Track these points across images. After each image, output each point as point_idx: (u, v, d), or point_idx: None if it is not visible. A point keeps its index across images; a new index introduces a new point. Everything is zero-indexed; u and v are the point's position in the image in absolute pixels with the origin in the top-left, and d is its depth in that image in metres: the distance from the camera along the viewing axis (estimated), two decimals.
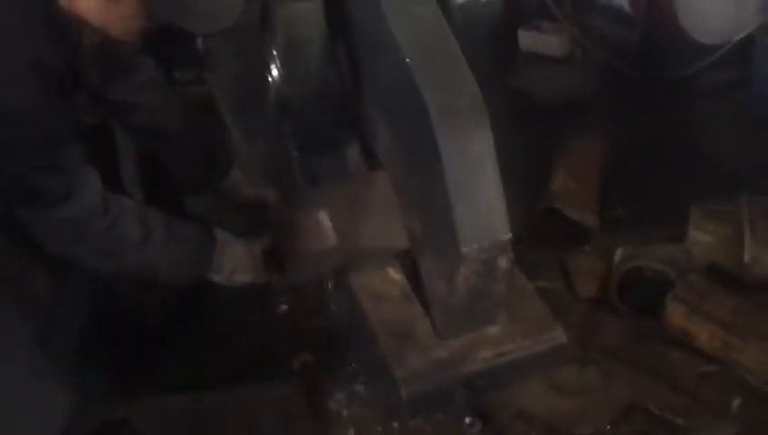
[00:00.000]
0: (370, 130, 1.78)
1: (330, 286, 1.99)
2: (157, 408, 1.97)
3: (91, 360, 1.82)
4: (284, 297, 2.17)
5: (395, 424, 1.80)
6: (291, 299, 2.17)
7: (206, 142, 1.79)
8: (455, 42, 1.45)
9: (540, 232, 2.38)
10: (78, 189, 1.39)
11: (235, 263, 1.63)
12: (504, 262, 1.48)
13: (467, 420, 1.79)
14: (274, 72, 1.75)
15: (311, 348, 2.05)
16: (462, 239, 1.41)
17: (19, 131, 1.29)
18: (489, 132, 1.39)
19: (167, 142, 1.73)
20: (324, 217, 1.70)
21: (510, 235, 1.46)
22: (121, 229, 1.46)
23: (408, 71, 1.40)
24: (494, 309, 1.62)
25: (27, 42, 1.29)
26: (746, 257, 2.07)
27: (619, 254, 2.19)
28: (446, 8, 1.65)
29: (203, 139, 1.79)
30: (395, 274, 1.74)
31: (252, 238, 1.71)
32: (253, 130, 2.23)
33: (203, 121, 1.83)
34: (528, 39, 3.56)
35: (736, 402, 1.83)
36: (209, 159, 1.77)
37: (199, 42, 2.56)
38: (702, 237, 2.18)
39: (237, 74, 2.61)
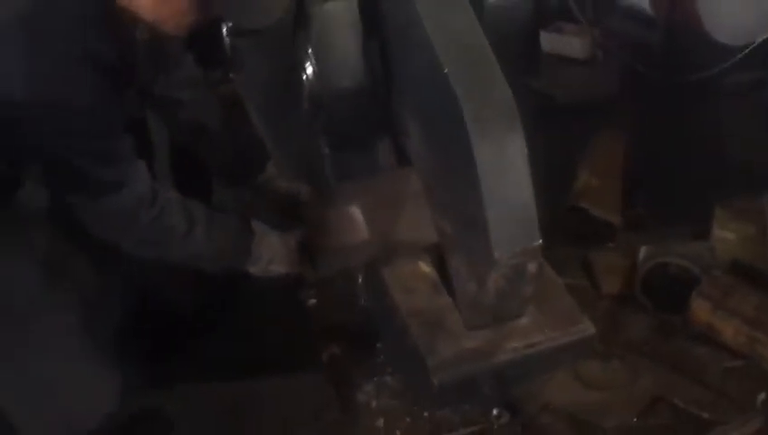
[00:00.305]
0: (401, 129, 1.82)
1: (360, 280, 2.03)
2: (189, 398, 2.02)
3: (128, 349, 1.87)
4: (314, 291, 2.22)
5: (425, 414, 1.84)
6: (320, 292, 2.22)
7: (244, 138, 1.84)
8: (489, 48, 1.47)
9: (564, 230, 2.41)
10: (130, 179, 1.44)
11: (272, 253, 1.68)
12: (533, 266, 1.52)
13: (495, 411, 1.83)
14: (309, 70, 1.79)
15: (340, 341, 2.10)
16: (495, 245, 1.44)
17: (77, 122, 1.34)
18: (522, 139, 1.42)
19: (206, 138, 1.78)
20: (356, 212, 1.75)
21: (540, 241, 1.49)
22: (168, 220, 1.50)
23: (443, 78, 1.42)
24: (521, 307, 1.65)
25: (86, 35, 1.33)
26: None
27: (643, 251, 2.22)
28: (479, 7, 1.69)
29: (241, 134, 1.83)
30: (425, 266, 1.78)
31: (286, 230, 1.75)
32: (282, 130, 2.27)
33: (240, 118, 1.88)
34: (550, 41, 3.59)
35: (761, 397, 1.85)
36: (246, 155, 1.81)
37: (226, 41, 2.61)
38: (726, 235, 2.21)
39: (267, 74, 2.66)
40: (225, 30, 2.56)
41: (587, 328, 1.63)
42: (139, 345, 1.94)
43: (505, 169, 1.42)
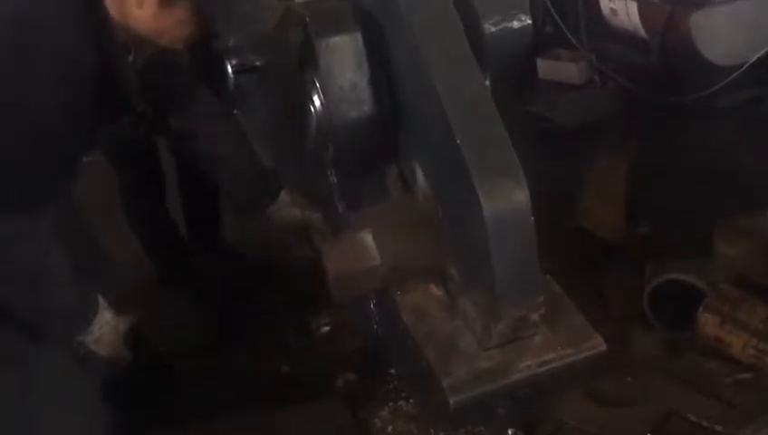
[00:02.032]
0: (408, 163, 1.87)
1: (372, 305, 2.05)
2: (206, 429, 2.04)
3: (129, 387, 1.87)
4: (327, 319, 2.25)
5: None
6: (333, 319, 2.25)
7: (258, 167, 1.87)
8: (498, 115, 1.52)
9: (569, 251, 2.45)
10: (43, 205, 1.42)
11: (101, 332, 1.62)
12: (535, 316, 1.58)
13: (510, 431, 1.84)
14: (316, 102, 1.83)
15: (354, 367, 2.12)
16: (500, 303, 1.51)
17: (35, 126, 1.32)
18: (528, 198, 1.47)
19: (221, 168, 1.81)
20: (368, 237, 1.77)
21: (543, 296, 1.56)
22: (48, 259, 1.46)
23: (455, 144, 1.46)
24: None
25: (70, 45, 1.32)
26: None
27: (649, 269, 2.25)
28: (479, 37, 1.74)
29: (255, 164, 1.87)
30: (436, 289, 1.81)
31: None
32: (289, 161, 2.32)
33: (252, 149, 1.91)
34: (547, 67, 3.66)
35: None
36: (260, 184, 1.85)
37: (231, 79, 2.67)
38: (730, 250, 2.24)
39: (273, 107, 2.71)
40: (229, 67, 2.63)
41: (599, 344, 1.64)
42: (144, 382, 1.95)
43: (513, 228, 1.45)
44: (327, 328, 2.26)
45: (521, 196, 1.46)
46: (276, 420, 2.04)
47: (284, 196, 1.88)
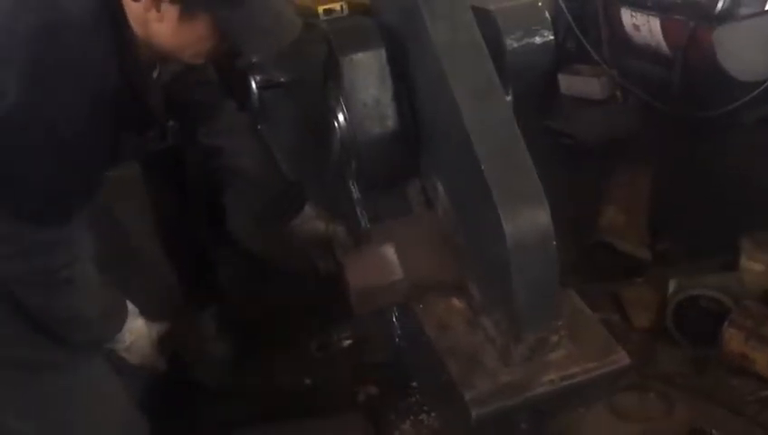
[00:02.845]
0: (428, 179, 1.89)
1: (394, 319, 2.06)
2: None
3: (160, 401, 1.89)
4: (349, 332, 2.26)
5: None
6: (355, 333, 2.26)
7: (283, 182, 1.90)
8: (521, 139, 1.54)
9: (592, 266, 2.45)
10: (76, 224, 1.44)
11: (133, 339, 1.63)
12: (555, 338, 1.59)
13: None
14: (340, 117, 1.86)
15: (375, 380, 2.13)
16: (521, 325, 1.54)
17: (60, 151, 1.34)
18: (550, 222, 1.49)
19: (247, 183, 1.84)
20: (390, 251, 1.79)
21: (562, 320, 1.58)
22: (76, 268, 1.47)
23: (478, 167, 1.49)
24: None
25: (90, 69, 1.33)
26: None
27: (673, 284, 2.24)
28: (499, 52, 1.76)
29: (280, 178, 1.89)
30: (458, 302, 1.81)
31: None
32: (312, 176, 2.35)
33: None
34: (568, 82, 3.67)
35: None
36: (284, 197, 1.87)
37: (255, 95, 2.71)
38: (754, 266, 2.23)
39: (297, 124, 2.75)
40: (254, 83, 2.67)
41: (622, 358, 1.64)
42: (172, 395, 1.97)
43: (534, 254, 1.47)
44: (349, 341, 2.27)
45: (543, 221, 1.48)
46: (298, 432, 2.05)
47: (308, 209, 1.90)
